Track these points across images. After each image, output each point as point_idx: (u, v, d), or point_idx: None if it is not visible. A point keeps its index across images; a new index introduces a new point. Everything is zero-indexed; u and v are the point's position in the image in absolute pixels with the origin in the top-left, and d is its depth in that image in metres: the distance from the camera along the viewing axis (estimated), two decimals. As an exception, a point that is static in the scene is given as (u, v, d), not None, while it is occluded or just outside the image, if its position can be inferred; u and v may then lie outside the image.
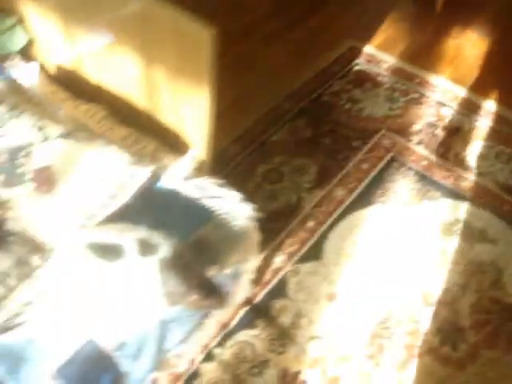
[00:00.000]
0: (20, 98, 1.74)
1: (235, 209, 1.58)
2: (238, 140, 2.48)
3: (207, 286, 1.29)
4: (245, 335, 1.98)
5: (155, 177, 1.63)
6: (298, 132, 2.55)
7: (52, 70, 1.96)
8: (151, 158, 1.65)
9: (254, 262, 1.69)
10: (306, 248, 2.18)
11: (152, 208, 1.58)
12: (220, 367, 1.91)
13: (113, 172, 1.55)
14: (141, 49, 1.61)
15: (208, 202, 1.60)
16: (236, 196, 1.62)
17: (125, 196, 1.55)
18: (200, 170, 1.70)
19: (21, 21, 1.93)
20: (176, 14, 1.43)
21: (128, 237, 1.33)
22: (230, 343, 1.95)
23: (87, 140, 1.58)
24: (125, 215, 1.52)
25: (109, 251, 1.31)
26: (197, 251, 1.54)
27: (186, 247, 1.51)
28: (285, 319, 2.02)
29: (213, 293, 1.32)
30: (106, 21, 1.62)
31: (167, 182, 1.65)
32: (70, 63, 1.90)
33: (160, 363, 1.56)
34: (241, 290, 1.71)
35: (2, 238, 1.43)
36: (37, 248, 1.44)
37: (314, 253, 2.17)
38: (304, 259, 2.15)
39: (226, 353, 1.93)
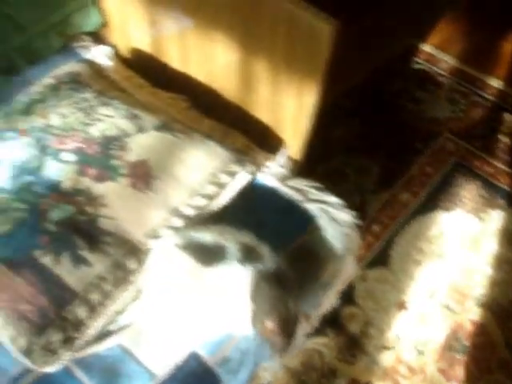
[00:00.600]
0: (105, 83, 1.55)
1: (336, 215, 1.42)
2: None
3: (287, 315, 1.13)
4: (313, 343, 1.89)
5: (253, 176, 1.44)
6: (357, 130, 2.42)
7: (126, 54, 1.77)
8: (244, 155, 1.46)
9: (350, 272, 1.54)
10: (372, 253, 2.08)
11: (251, 210, 1.44)
12: (287, 375, 1.82)
13: (213, 170, 1.38)
14: (240, 37, 1.46)
15: (308, 206, 1.44)
16: (336, 201, 1.46)
17: (225, 196, 1.39)
18: (294, 171, 1.53)
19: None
20: (294, 2, 1.28)
21: (231, 239, 1.17)
22: (298, 350, 1.79)
23: (183, 133, 1.41)
24: (224, 216, 1.38)
25: (209, 254, 1.15)
26: (296, 260, 1.40)
27: (287, 257, 1.35)
28: (354, 327, 1.93)
29: (287, 328, 1.16)
30: (197, 2, 1.44)
31: (264, 181, 1.47)
32: (147, 47, 1.72)
33: (252, 377, 1.41)
34: (327, 302, 1.56)
35: (95, 237, 1.27)
36: (133, 250, 1.29)
37: (381, 258, 2.08)
38: (371, 265, 2.06)
39: (293, 360, 1.84)
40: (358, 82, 2.21)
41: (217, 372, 1.28)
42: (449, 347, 1.92)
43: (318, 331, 1.89)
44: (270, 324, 1.11)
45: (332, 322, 1.93)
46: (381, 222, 2.18)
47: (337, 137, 2.34)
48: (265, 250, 1.20)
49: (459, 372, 1.88)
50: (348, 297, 1.98)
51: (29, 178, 1.36)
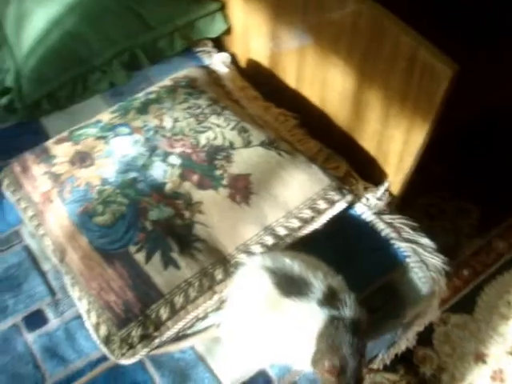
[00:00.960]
0: (220, 92, 1.57)
1: (427, 258, 1.38)
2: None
3: (347, 360, 1.10)
4: (383, 377, 1.85)
5: (349, 205, 1.42)
6: (461, 165, 2.30)
7: (244, 64, 1.78)
8: (344, 182, 1.44)
9: (431, 316, 1.49)
10: (457, 298, 1.98)
11: (344, 240, 1.41)
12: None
13: (312, 195, 1.37)
14: (358, 64, 1.45)
15: (400, 244, 1.39)
16: (429, 244, 1.43)
17: (318, 222, 1.37)
18: (391, 207, 1.49)
19: (223, 7, 1.76)
20: (417, 40, 1.28)
21: (319, 277, 1.15)
22: (366, 382, 1.74)
23: (288, 153, 1.41)
24: (316, 243, 1.34)
25: (293, 285, 1.15)
26: (380, 299, 1.41)
27: (371, 294, 1.32)
28: (426, 370, 1.88)
29: (344, 373, 1.13)
30: (322, 22, 1.46)
31: (360, 212, 1.45)
32: (264, 60, 1.74)
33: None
34: (403, 343, 1.51)
35: (188, 242, 1.29)
36: (222, 261, 1.31)
37: (466, 305, 2.00)
38: (454, 309, 1.99)
39: None
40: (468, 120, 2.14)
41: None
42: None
43: (389, 366, 1.80)
44: (327, 364, 1.10)
45: (405, 361, 1.86)
46: (472, 267, 2.10)
47: (438, 172, 2.24)
48: (348, 298, 1.18)
49: None
50: (425, 338, 1.91)
51: (134, 175, 1.40)
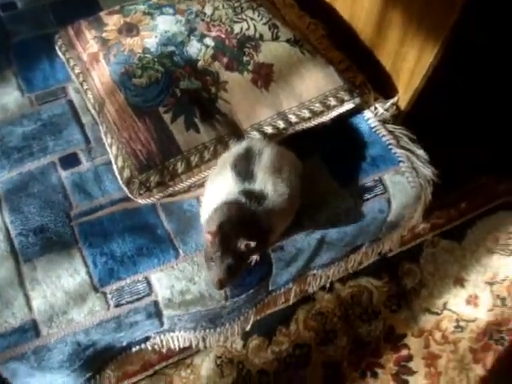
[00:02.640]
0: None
1: (419, 166, 1.60)
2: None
3: None
4: (367, 282, 2.07)
5: (357, 109, 1.67)
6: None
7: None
8: (358, 90, 1.66)
9: (414, 222, 1.73)
10: (450, 226, 2.20)
11: (346, 136, 1.68)
12: (334, 301, 2.02)
13: (325, 91, 1.60)
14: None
15: (397, 151, 1.62)
16: (423, 155, 1.65)
17: (327, 117, 1.62)
18: (395, 118, 1.71)
19: None
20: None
21: (267, 162, 1.40)
22: (351, 283, 2.05)
23: (310, 53, 1.62)
24: (320, 135, 1.64)
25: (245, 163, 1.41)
26: (372, 190, 1.64)
27: (363, 185, 1.61)
28: (408, 282, 2.08)
29: None
30: None
31: (366, 117, 1.67)
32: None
33: (299, 277, 1.65)
34: (388, 243, 1.76)
35: (210, 113, 1.52)
36: (237, 134, 1.53)
37: (457, 233, 2.19)
38: (445, 235, 2.18)
39: (345, 290, 2.03)
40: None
41: (271, 256, 1.51)
42: (489, 334, 2.01)
43: (375, 273, 2.07)
44: (210, 227, 1.31)
45: (390, 270, 2.10)
46: (470, 202, 2.28)
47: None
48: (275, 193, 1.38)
49: (489, 358, 1.97)
50: (413, 255, 2.14)
51: (172, 49, 1.63)
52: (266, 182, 1.32)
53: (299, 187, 1.40)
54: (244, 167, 1.34)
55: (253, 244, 1.21)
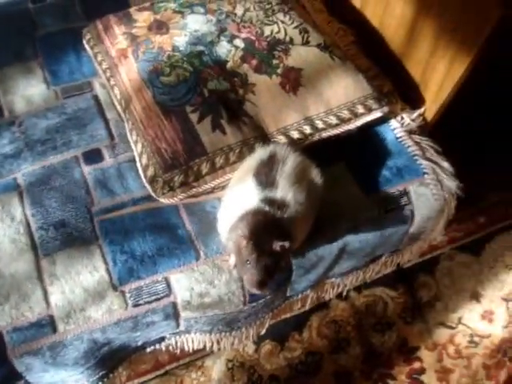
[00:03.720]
0: (291, -4, 1.79)
1: (444, 179, 1.60)
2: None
3: None
4: (383, 292, 2.07)
5: (383, 118, 1.66)
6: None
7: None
8: (386, 99, 1.65)
9: (435, 235, 1.72)
10: (468, 240, 2.19)
11: (372, 144, 1.67)
12: (349, 309, 2.01)
13: (353, 99, 1.60)
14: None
15: (423, 162, 1.62)
16: (449, 168, 1.64)
17: (353, 124, 1.63)
18: (421, 129, 1.71)
19: None
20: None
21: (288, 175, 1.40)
22: (367, 292, 2.04)
23: (340, 59, 1.62)
24: (347, 142, 1.63)
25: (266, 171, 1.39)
26: (396, 201, 1.63)
27: (387, 195, 1.58)
28: (424, 295, 2.07)
29: None
30: None
31: (393, 127, 1.68)
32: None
33: (317, 284, 1.64)
34: (409, 253, 1.75)
35: (237, 115, 1.52)
36: (263, 137, 1.53)
37: (475, 248, 2.18)
38: (463, 249, 2.17)
39: (360, 299, 2.03)
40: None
41: (292, 262, 1.51)
42: (503, 351, 2.00)
43: (391, 283, 2.07)
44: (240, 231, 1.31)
45: (406, 281, 2.09)
46: (489, 217, 2.27)
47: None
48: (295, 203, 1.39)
49: (502, 376, 1.96)
50: (430, 267, 2.13)
51: (201, 48, 1.63)
52: (287, 191, 1.33)
53: (318, 199, 1.42)
54: (266, 175, 1.35)
55: (287, 245, 1.23)
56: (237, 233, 1.27)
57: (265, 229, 1.26)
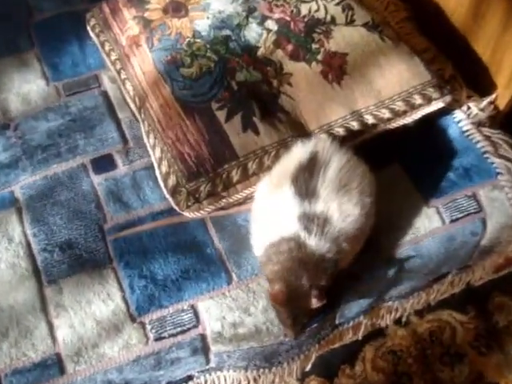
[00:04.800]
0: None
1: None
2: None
3: None
4: (450, 316, 2.08)
5: (446, 109, 1.68)
6: None
7: None
8: (448, 86, 1.67)
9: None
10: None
11: (433, 141, 1.70)
12: (410, 338, 2.04)
13: (409, 87, 1.65)
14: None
15: (495, 161, 1.66)
16: (527, 166, 1.61)
17: (410, 118, 1.66)
18: (493, 121, 1.74)
19: None
20: None
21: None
22: (430, 317, 2.07)
23: (391, 40, 1.66)
24: (401, 140, 1.65)
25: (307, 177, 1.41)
26: (464, 207, 1.65)
27: (453, 201, 1.62)
28: (501, 319, 2.08)
29: None
30: None
31: (458, 119, 1.72)
32: None
33: (371, 310, 1.68)
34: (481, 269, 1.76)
35: (272, 111, 1.56)
36: (301, 135, 1.56)
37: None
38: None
39: (422, 325, 2.05)
40: None
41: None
42: None
43: (460, 305, 2.08)
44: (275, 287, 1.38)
45: (478, 303, 2.10)
46: None
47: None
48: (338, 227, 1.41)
49: None
50: (506, 285, 2.13)
51: (228, 33, 1.67)
52: (330, 202, 1.34)
53: (373, 207, 1.42)
54: (306, 181, 1.36)
55: (325, 301, 1.29)
56: (265, 269, 1.36)
57: (299, 274, 1.32)
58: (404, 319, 1.94)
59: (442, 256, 1.62)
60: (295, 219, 1.33)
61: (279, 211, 1.36)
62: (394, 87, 1.65)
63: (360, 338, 1.86)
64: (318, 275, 1.32)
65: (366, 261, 1.51)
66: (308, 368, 1.75)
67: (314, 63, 1.63)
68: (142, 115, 1.63)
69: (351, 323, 1.72)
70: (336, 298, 1.55)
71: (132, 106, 1.66)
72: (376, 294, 1.62)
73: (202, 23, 1.68)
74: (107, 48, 1.74)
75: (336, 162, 1.39)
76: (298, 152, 1.44)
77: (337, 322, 1.65)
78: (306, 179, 1.36)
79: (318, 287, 1.29)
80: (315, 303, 1.29)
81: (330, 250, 1.33)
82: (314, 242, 1.32)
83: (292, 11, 1.68)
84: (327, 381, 1.98)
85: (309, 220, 1.33)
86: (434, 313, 2.06)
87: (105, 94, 1.75)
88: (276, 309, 1.34)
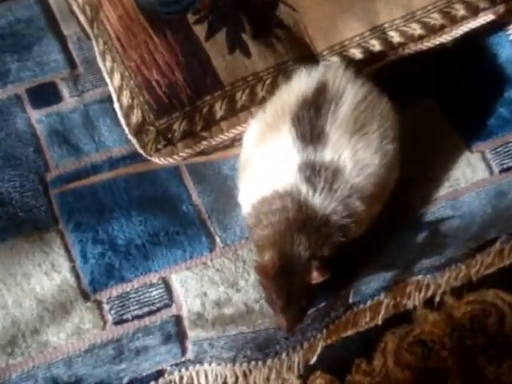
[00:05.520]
0: None
1: None
2: None
3: None
4: (496, 296, 2.13)
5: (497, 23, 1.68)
6: None
7: None
8: None
9: None
10: None
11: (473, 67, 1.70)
12: (444, 324, 2.06)
13: None
14: None
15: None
16: None
17: (450, 35, 1.67)
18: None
19: None
20: None
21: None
22: (471, 297, 2.10)
23: None
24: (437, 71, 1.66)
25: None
26: None
27: None
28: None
29: None
30: None
31: (511, 38, 1.73)
32: None
33: (394, 285, 1.71)
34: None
35: (267, 26, 1.56)
36: (307, 59, 1.56)
37: None
38: None
39: (460, 308, 2.08)
40: None
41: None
42: None
43: (508, 283, 2.10)
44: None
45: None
46: None
47: None
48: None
49: None
50: None
51: None
52: (341, 148, 1.32)
53: (397, 156, 1.41)
54: (311, 121, 1.34)
55: (327, 276, 1.26)
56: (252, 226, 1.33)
57: (297, 239, 1.29)
58: (437, 299, 1.93)
59: (488, 216, 1.62)
60: (294, 169, 1.31)
61: (275, 158, 1.34)
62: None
63: (380, 322, 1.85)
64: (320, 242, 1.29)
65: (388, 222, 1.50)
66: (313, 361, 1.73)
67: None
68: (95, 30, 1.62)
69: (369, 303, 1.71)
70: (349, 270, 1.55)
71: (81, 17, 1.66)
72: (401, 265, 1.62)
73: None
74: None
75: (350, 97, 1.37)
76: (301, 82, 1.43)
77: (350, 300, 1.65)
78: (310, 118, 1.34)
79: (320, 258, 1.27)
80: (316, 277, 1.27)
81: (338, 212, 1.31)
82: (318, 201, 1.30)
83: None
84: (337, 379, 1.97)
85: (313, 171, 1.30)
86: (476, 292, 2.07)
87: (43, 3, 1.74)
88: (264, 286, 1.30)
